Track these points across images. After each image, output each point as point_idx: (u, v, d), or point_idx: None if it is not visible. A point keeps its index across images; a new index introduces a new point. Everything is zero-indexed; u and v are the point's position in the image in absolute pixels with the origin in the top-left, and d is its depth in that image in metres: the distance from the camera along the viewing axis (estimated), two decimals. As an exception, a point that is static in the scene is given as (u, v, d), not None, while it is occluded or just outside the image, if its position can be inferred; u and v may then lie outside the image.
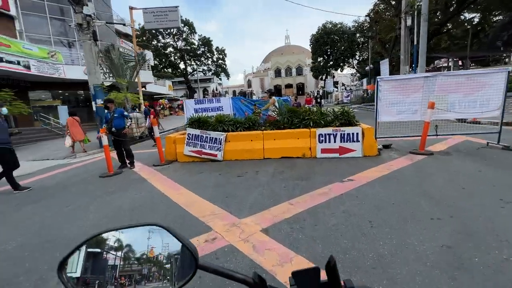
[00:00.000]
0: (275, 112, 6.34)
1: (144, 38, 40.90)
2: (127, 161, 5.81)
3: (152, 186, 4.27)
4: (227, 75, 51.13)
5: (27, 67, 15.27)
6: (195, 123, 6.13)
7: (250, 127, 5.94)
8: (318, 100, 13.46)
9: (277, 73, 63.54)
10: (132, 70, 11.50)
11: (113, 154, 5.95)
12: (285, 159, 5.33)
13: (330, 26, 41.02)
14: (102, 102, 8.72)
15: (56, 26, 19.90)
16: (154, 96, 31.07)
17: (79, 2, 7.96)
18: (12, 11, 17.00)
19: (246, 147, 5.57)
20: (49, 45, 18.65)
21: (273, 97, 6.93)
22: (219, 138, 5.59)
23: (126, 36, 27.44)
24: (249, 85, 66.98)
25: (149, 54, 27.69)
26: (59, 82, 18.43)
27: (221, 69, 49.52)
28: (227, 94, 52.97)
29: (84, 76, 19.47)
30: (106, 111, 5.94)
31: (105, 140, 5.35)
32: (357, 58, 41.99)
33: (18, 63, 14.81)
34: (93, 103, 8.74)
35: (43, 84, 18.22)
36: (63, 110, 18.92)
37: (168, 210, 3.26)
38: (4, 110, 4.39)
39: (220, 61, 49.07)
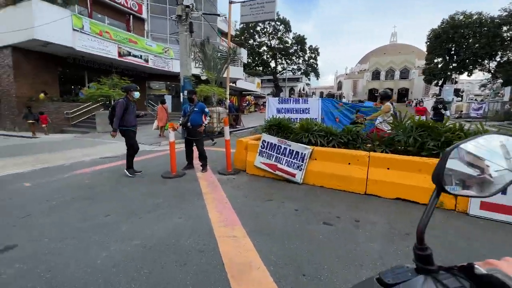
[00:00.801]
0: (389, 125, 4.28)
1: (243, 37, 43.46)
2: (200, 163, 5.11)
3: (204, 209, 3.21)
4: (317, 75, 48.51)
5: (146, 61, 18.00)
6: (274, 127, 4.84)
7: (348, 142, 4.15)
8: (441, 110, 9.84)
9: (375, 75, 55.87)
10: (223, 64, 11.36)
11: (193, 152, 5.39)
12: (404, 203, 3.33)
13: (462, 17, 32.02)
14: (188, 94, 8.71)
15: (172, 26, 23.10)
16: (243, 93, 32.30)
17: (182, -6, 7.98)
18: (144, 15, 20.50)
19: (339, 171, 3.83)
20: (165, 43, 21.68)
21: (387, 103, 4.82)
22: (302, 153, 4.09)
23: (227, 35, 29.57)
24: (339, 87, 61.81)
25: (243, 53, 28.92)
26: (168, 74, 21.24)
27: (311, 69, 47.41)
28: (314, 95, 50.48)
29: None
30: (187, 104, 5.40)
31: (171, 136, 4.75)
32: (498, 59, 31.31)
33: (141, 57, 17.60)
34: (181, 94, 8.81)
35: (157, 75, 21.39)
36: (167, 99, 21.88)
37: (201, 270, 2.03)
38: (137, 94, 4.76)
39: (311, 60, 47.00)
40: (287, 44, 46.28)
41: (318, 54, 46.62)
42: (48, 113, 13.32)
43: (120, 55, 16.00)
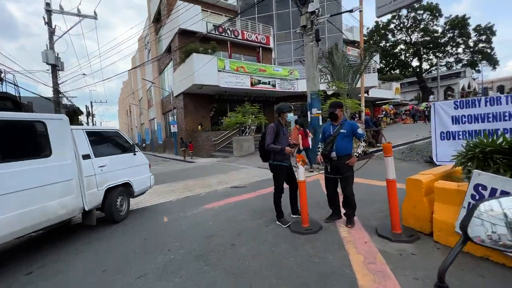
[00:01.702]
0: None
1: (371, 41, 38.48)
2: (343, 212, 3.51)
3: None
4: (493, 63, 34.16)
5: (274, 86, 18.89)
6: (495, 156, 2.43)
7: None
8: None
9: None
10: (355, 72, 9.38)
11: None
12: None
13: None
14: (317, 111, 7.40)
15: (297, 49, 23.55)
16: (376, 102, 27.59)
17: (305, 3, 7.07)
18: (271, 44, 22.16)
19: None
20: (289, 66, 22.28)
21: None
22: None
23: (353, 43, 26.78)
24: (540, 74, 40.46)
25: (375, 57, 24.91)
26: (294, 95, 21.45)
27: (481, 56, 34.14)
28: (490, 91, 35.51)
29: (304, 88, 21.53)
30: (328, 121, 3.67)
31: (300, 174, 3.40)
32: None
33: (269, 83, 18.68)
34: (308, 113, 7.64)
35: (283, 98, 22.14)
36: (293, 119, 21.97)
37: None
38: (290, 116, 4.06)
39: (480, 45, 33.93)
40: (435, 34, 36.31)
41: (492, 34, 33.09)
42: (202, 141, 16.36)
43: (252, 84, 17.62)
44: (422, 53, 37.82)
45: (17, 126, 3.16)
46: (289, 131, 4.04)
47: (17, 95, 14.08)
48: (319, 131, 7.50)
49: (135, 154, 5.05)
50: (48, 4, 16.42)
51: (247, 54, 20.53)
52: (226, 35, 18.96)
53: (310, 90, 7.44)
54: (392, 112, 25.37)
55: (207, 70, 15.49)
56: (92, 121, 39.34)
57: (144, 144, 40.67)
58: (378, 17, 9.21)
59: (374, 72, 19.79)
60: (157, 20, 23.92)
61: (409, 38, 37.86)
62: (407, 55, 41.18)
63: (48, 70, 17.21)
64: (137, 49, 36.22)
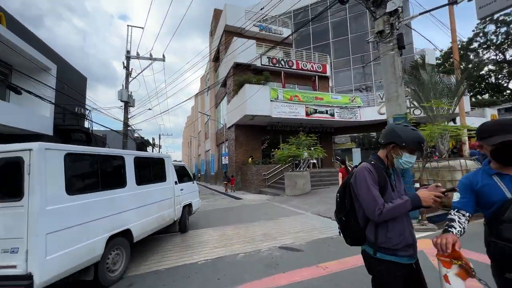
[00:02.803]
0: None
1: (447, 64, 33.27)
2: None
3: None
4: None
5: (332, 115, 16.92)
6: None
7: None
8: None
9: None
10: (453, 93, 6.94)
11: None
12: None
13: None
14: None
15: (356, 75, 21.48)
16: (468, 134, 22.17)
17: (380, 4, 5.47)
18: (328, 73, 20.75)
19: None
20: (350, 93, 20.15)
21: None
22: None
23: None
24: None
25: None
26: (355, 125, 18.88)
27: None
28: None
29: (377, 116, 18.60)
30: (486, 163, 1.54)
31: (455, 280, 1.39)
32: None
33: (326, 112, 16.83)
34: (390, 144, 5.45)
35: (342, 128, 19.73)
36: (356, 153, 19.01)
37: None
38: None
39: None
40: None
41: None
42: (251, 175, 15.07)
43: (307, 114, 16.08)
44: (522, 72, 30.47)
45: (154, 161, 5.14)
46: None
47: (90, 128, 15.84)
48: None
49: (193, 183, 7.12)
50: (128, 52, 18.83)
51: (302, 84, 19.47)
52: (280, 65, 18.49)
53: (393, 114, 5.38)
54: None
55: (259, 100, 14.79)
56: (159, 152, 43.52)
57: (199, 174, 42.27)
58: (480, 19, 6.87)
59: (467, 94, 15.94)
60: (216, 59, 25.66)
61: (501, 56, 31.36)
62: (499, 76, 33.91)
63: (121, 106, 19.20)
64: (199, 88, 39.80)
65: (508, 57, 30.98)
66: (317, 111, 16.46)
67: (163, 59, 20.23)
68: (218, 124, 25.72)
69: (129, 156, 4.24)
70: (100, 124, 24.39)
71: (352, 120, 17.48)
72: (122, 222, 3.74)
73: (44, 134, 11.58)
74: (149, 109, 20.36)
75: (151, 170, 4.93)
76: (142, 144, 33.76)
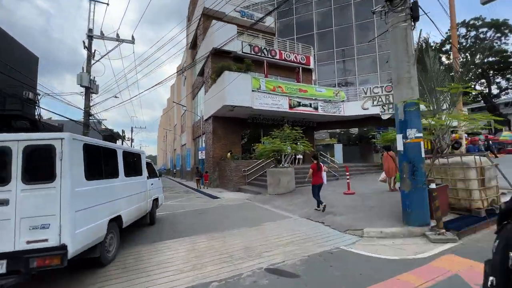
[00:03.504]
0: None
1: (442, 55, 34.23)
2: None
3: None
4: None
5: (316, 108, 16.14)
6: None
7: None
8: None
9: None
10: (459, 80, 6.23)
11: None
12: None
13: None
14: (417, 134, 4.32)
15: (339, 69, 21.01)
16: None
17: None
18: (311, 65, 19.95)
19: None
20: (333, 87, 19.57)
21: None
22: None
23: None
24: None
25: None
26: (338, 120, 18.36)
27: None
28: None
29: (360, 111, 18.17)
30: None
31: None
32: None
33: (310, 105, 16.01)
34: (398, 136, 4.59)
35: (325, 123, 19.12)
36: (338, 148, 18.54)
37: None
38: None
39: None
40: (505, 54, 30.91)
41: None
42: (230, 171, 13.83)
43: (290, 106, 15.13)
44: (489, 75, 32.27)
45: (134, 156, 5.58)
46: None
47: (37, 116, 13.48)
48: (419, 167, 4.33)
49: (159, 179, 7.41)
50: (90, 30, 16.41)
51: (285, 76, 18.44)
52: (263, 55, 17.28)
53: (403, 99, 4.46)
54: (468, 141, 20.39)
55: (240, 90, 13.51)
56: (131, 146, 40.39)
57: (174, 170, 39.98)
58: (484, 4, 6.16)
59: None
60: (194, 45, 23.76)
61: (469, 59, 32.88)
62: (466, 78, 35.87)
63: (82, 92, 16.82)
64: (175, 79, 37.37)
65: (476, 60, 32.57)
66: (301, 104, 15.58)
67: (132, 41, 18.02)
68: (195, 117, 24.00)
69: (120, 150, 4.73)
70: (54, 113, 21.50)
71: (335, 115, 16.87)
72: (117, 208, 4.27)
73: (-29, 120, 9.30)
74: (116, 96, 18.08)
75: (133, 164, 5.39)
76: (111, 136, 30.86)
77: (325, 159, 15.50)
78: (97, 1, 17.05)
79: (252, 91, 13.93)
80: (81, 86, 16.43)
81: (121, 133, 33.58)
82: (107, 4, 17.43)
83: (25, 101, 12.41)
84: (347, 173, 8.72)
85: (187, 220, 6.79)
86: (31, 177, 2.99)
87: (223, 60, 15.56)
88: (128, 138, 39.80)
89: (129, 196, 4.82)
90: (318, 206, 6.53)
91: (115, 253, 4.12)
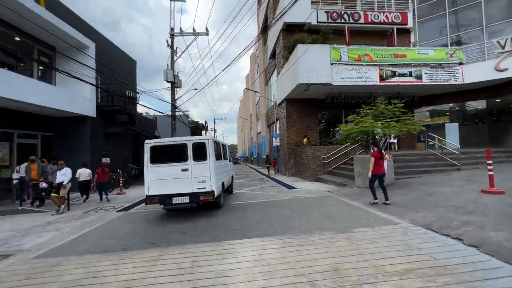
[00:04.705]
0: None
1: None
2: None
3: None
4: None
5: (418, 77, 12.38)
6: None
7: None
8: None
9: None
10: None
11: None
12: None
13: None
14: None
15: (452, 24, 15.51)
16: None
17: None
18: (409, 24, 15.54)
19: None
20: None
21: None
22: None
23: None
24: None
25: None
26: (452, 91, 13.72)
27: None
28: None
29: (492, 75, 12.58)
30: None
31: None
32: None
33: (410, 74, 12.40)
34: None
35: (430, 98, 14.70)
36: (451, 129, 13.89)
37: None
38: None
39: None
40: None
41: None
42: (307, 158, 12.31)
43: (381, 78, 12.09)
44: None
45: (223, 146, 8.42)
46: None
47: (133, 111, 15.48)
48: None
49: (232, 162, 10.85)
50: (172, 29, 17.71)
51: (372, 44, 15.01)
52: (343, 20, 14.49)
53: None
54: None
55: (316, 64, 11.59)
56: (214, 136, 44.28)
57: (252, 158, 41.35)
58: None
59: None
60: (265, 29, 22.73)
61: None
62: None
63: (168, 88, 18.54)
64: (249, 68, 37.79)
65: None
66: (396, 73, 12.23)
67: (207, 33, 18.53)
68: (269, 103, 23.32)
69: (223, 144, 8.53)
70: (147, 107, 24.96)
71: (449, 84, 12.55)
72: (223, 177, 7.20)
73: (88, 115, 11.27)
74: (195, 88, 19.26)
75: (225, 152, 8.63)
76: (196, 127, 34.26)
77: (433, 142, 11.77)
78: (176, 0, 18.09)
79: (331, 64, 11.74)
80: (167, 81, 18.04)
81: (204, 124, 36.78)
82: (183, 0, 18.30)
83: (127, 98, 14.43)
84: (489, 161, 5.75)
85: (257, 214, 5.87)
86: (196, 158, 6.00)
87: (295, 34, 13.82)
88: (211, 128, 43.63)
89: (225, 171, 7.93)
90: (375, 199, 6.08)
91: (222, 203, 6.99)
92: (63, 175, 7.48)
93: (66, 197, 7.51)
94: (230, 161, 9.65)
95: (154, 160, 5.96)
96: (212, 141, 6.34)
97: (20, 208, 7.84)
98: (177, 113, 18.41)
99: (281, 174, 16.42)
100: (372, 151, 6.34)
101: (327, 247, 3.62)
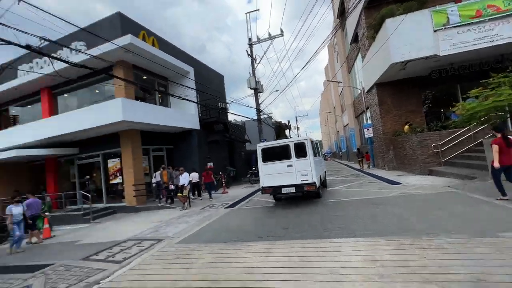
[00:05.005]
0: None
1: None
2: None
3: None
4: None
5: None
6: None
7: None
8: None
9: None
10: None
11: None
12: None
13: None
14: None
15: None
16: None
17: None
18: None
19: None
20: None
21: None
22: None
23: None
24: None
25: None
26: None
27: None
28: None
29: None
30: None
31: None
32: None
33: None
34: None
35: None
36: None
37: None
38: None
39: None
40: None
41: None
42: (412, 149, 10.51)
43: (519, 33, 8.93)
44: None
45: (315, 143, 8.80)
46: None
47: (226, 119, 17.36)
48: None
49: (323, 158, 12.17)
50: (249, 39, 19.08)
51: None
52: (445, -27, 11.60)
53: None
54: None
55: (413, 37, 9.79)
56: (298, 134, 44.39)
57: (340, 153, 38.81)
58: None
59: None
60: (342, 13, 21.05)
61: None
62: None
63: (252, 94, 19.94)
64: (328, 59, 35.87)
65: None
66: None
67: (282, 34, 18.90)
68: (354, 91, 21.43)
69: (315, 142, 8.98)
70: (236, 114, 27.39)
71: None
72: (319, 171, 8.17)
73: (194, 128, 13.55)
74: (276, 90, 19.94)
75: (318, 149, 9.36)
76: (279, 127, 35.25)
77: None
78: (251, 12, 19.30)
79: (435, 31, 9.62)
80: (250, 88, 19.44)
81: (287, 124, 37.39)
82: (258, 10, 19.32)
83: (219, 109, 16.50)
84: None
85: (359, 213, 5.48)
86: (298, 155, 7.10)
87: (380, 9, 12.13)
88: (294, 127, 43.87)
89: (320, 166, 8.93)
90: (504, 196, 4.84)
91: (321, 194, 7.99)
92: (184, 178, 9.31)
93: (188, 196, 9.30)
94: (321, 156, 10.63)
95: (265, 159, 7.47)
96: (309, 141, 7.32)
97: (159, 205, 10.27)
98: (261, 116, 19.59)
99: (378, 168, 14.70)
100: (495, 137, 5.26)
101: (461, 253, 2.99)
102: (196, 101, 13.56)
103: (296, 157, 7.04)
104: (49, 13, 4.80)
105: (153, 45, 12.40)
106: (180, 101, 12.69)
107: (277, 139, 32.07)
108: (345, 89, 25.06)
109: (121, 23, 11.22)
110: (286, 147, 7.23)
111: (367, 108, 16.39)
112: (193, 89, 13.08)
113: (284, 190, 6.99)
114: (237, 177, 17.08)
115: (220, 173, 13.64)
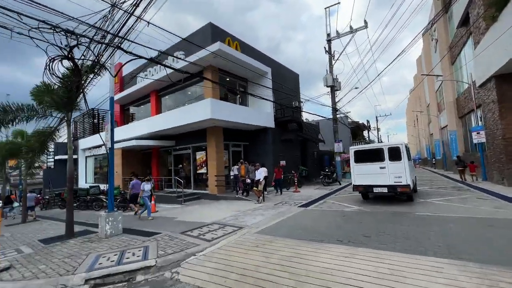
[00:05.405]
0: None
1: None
2: None
3: None
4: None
5: None
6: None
7: None
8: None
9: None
10: None
11: None
12: None
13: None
14: None
15: None
16: None
17: None
18: None
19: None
20: None
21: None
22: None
23: None
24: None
25: None
26: None
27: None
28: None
29: None
30: None
31: None
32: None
33: None
34: None
35: None
36: None
37: None
38: None
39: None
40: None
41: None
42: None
43: None
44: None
45: (407, 148, 8.57)
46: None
47: (301, 118, 17.15)
48: None
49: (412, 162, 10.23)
50: (328, 35, 18.43)
51: None
52: None
53: None
54: None
55: None
56: (378, 135, 39.88)
57: (434, 160, 32.61)
58: None
59: None
60: (445, -8, 17.53)
61: None
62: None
63: (328, 92, 19.19)
64: (422, 51, 30.71)
65: None
66: None
67: (366, 26, 17.40)
68: (459, 86, 17.66)
69: (407, 146, 8.76)
70: (310, 113, 26.62)
71: None
72: (412, 175, 8.45)
73: (269, 127, 14.06)
74: (356, 87, 18.51)
75: (409, 153, 8.82)
76: (357, 127, 32.46)
77: None
78: (330, 6, 18.54)
79: None
80: (327, 86, 18.68)
81: (365, 124, 34.14)
82: (338, 3, 18.34)
83: (294, 108, 16.54)
84: None
85: (463, 232, 4.53)
86: (392, 158, 7.70)
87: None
88: (373, 127, 39.54)
89: (412, 170, 8.80)
90: None
91: (413, 198, 8.34)
92: (259, 173, 9.82)
93: (262, 190, 9.78)
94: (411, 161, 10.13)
95: (357, 160, 8.34)
96: (404, 146, 7.81)
97: (236, 196, 11.20)
98: (337, 116, 18.52)
99: (491, 182, 11.66)
100: None
101: None
102: (272, 100, 14.04)
103: (389, 160, 7.73)
104: (167, 30, 5.93)
105: (236, 49, 13.51)
106: (257, 100, 13.43)
107: (352, 140, 29.64)
108: (445, 84, 20.83)
109: (212, 32, 12.70)
110: (380, 150, 7.96)
111: (478, 107, 13.20)
112: (270, 88, 13.57)
113: (376, 190, 7.78)
114: (308, 177, 16.79)
115: (293, 171, 13.70)
